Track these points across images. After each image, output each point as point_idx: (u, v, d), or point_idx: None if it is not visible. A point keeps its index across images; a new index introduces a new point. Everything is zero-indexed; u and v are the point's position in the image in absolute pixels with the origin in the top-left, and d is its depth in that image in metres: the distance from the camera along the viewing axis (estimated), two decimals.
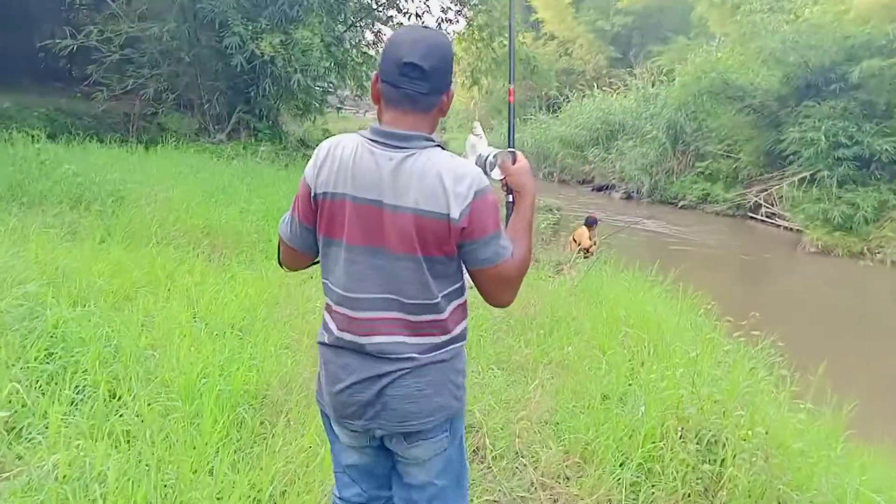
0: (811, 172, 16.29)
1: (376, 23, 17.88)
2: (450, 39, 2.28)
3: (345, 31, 16.64)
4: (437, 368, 1.66)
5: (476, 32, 18.28)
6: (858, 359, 7.74)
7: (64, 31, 12.86)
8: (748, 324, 4.14)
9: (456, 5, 17.75)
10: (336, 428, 1.78)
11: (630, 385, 3.72)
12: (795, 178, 16.83)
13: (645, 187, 21.60)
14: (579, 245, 9.83)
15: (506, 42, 19.84)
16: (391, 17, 17.47)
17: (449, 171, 1.57)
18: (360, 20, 17.38)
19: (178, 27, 13.23)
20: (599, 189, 23.51)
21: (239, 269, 4.90)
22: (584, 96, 27.03)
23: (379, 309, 1.63)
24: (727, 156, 20.30)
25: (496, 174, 1.84)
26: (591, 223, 10.39)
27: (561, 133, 25.85)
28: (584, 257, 9.49)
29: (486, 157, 1.86)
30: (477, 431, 3.18)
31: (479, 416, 3.29)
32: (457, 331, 1.69)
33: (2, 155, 6.98)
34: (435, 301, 1.62)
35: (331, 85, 17.02)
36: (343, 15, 16.39)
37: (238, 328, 3.80)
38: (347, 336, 1.66)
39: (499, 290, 1.67)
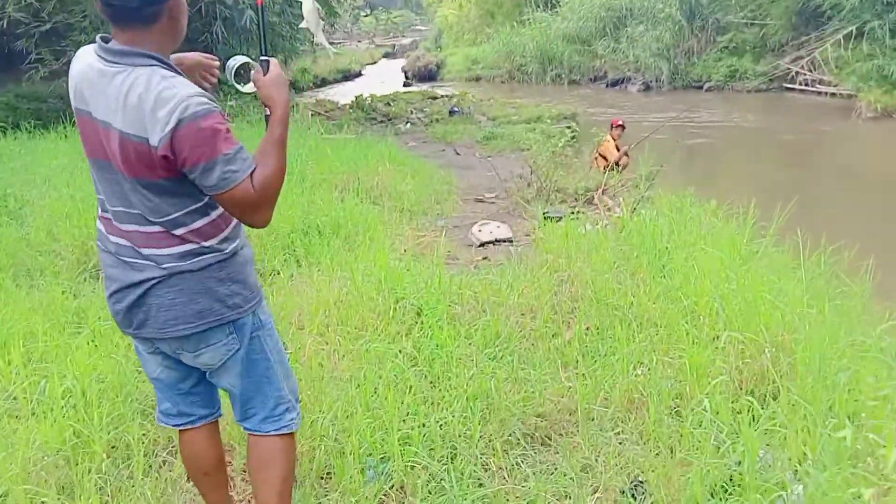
0: (857, 25, 14.11)
1: None
2: None
3: None
4: (188, 278, 1.66)
5: None
6: None
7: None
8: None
9: None
10: None
11: None
12: (840, 36, 14.65)
13: (664, 74, 19.59)
14: (607, 161, 8.18)
15: None
16: None
17: (151, 94, 1.50)
18: None
19: None
20: (614, 84, 21.39)
21: None
22: None
23: (126, 221, 1.65)
24: (752, 23, 18.06)
25: (248, 87, 1.72)
26: (616, 129, 8.69)
27: (564, 29, 23.45)
28: (616, 171, 7.88)
29: (233, 67, 1.77)
30: None
31: None
32: (210, 242, 1.68)
33: None
34: (170, 217, 1.62)
35: (300, 18, 15.05)
36: None
37: None
38: (111, 240, 1.69)
39: (241, 214, 1.64)
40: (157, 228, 1.63)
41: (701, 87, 18.64)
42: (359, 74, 30.39)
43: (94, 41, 1.62)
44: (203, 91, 1.56)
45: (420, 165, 8.71)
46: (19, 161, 6.99)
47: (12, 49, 12.94)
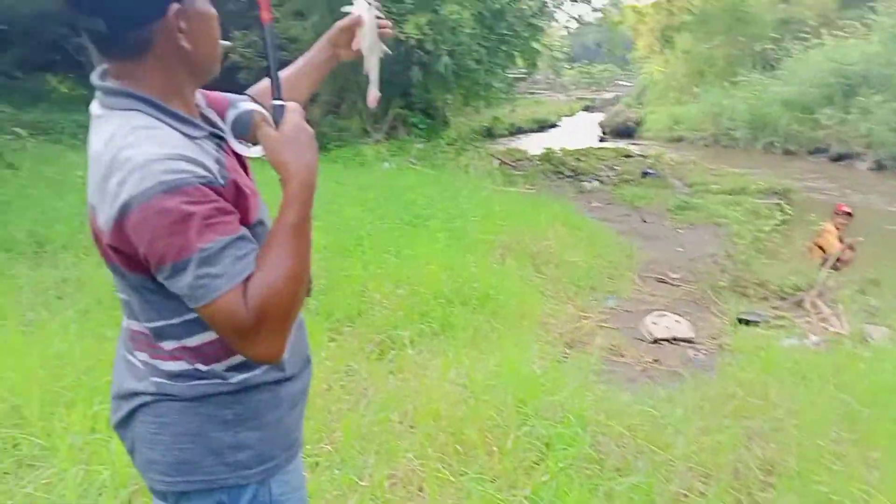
0: None
1: None
2: None
3: (508, 2, 14.47)
4: (176, 407, 1.16)
5: None
6: None
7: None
8: None
9: None
10: None
11: None
12: None
13: None
14: (825, 254, 6.80)
15: None
16: None
17: (109, 153, 1.04)
18: None
19: (321, 20, 12.13)
20: (838, 159, 18.88)
21: None
22: (808, 47, 22.16)
23: (124, 312, 1.22)
24: None
25: (256, 151, 1.15)
26: (840, 217, 7.27)
27: (782, 94, 21.29)
28: (835, 269, 6.51)
29: (231, 120, 1.18)
30: None
31: None
32: (211, 366, 1.16)
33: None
34: (155, 325, 1.15)
35: (499, 66, 14.93)
36: None
37: None
38: (122, 327, 1.25)
39: (230, 340, 1.07)
40: (146, 330, 1.17)
41: None
42: (554, 126, 30.11)
43: None
44: (183, 153, 1.03)
45: (598, 231, 7.93)
46: None
47: (237, 80, 14.29)
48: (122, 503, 2.03)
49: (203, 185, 1.02)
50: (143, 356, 1.19)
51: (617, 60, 35.97)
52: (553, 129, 28.69)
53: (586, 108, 37.06)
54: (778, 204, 10.17)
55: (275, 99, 1.14)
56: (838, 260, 6.68)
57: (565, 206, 8.30)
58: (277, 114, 1.13)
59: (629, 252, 7.45)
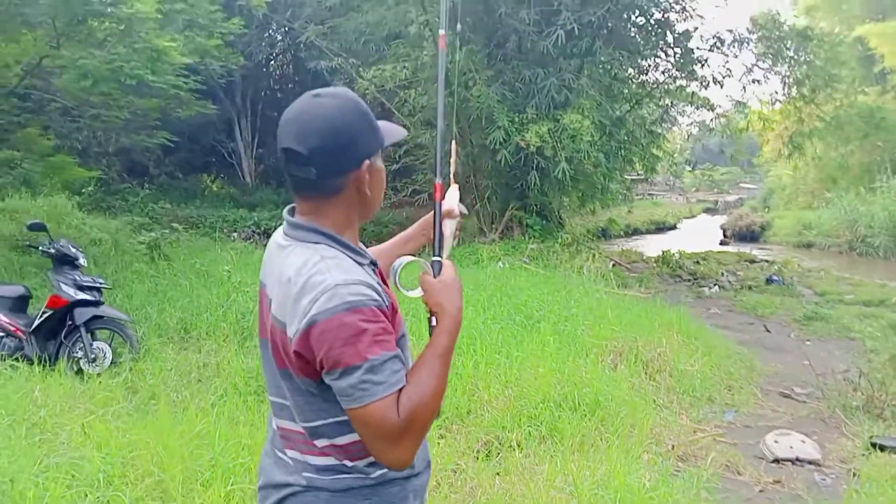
0: None
1: (664, 97, 15.71)
2: (351, 104, 1.34)
3: (628, 111, 14.82)
4: (324, 498, 1.37)
5: (794, 89, 14.99)
6: None
7: None
8: None
9: (764, 62, 14.74)
10: None
11: None
12: None
13: None
14: None
15: (836, 96, 16.12)
16: (682, 87, 15.16)
17: (301, 278, 1.29)
18: (646, 96, 15.42)
19: (447, 128, 12.94)
20: None
21: None
22: None
23: (278, 414, 1.44)
24: None
25: (415, 293, 1.49)
26: None
27: None
28: None
29: (398, 269, 1.54)
30: None
31: None
32: (356, 463, 1.38)
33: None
34: (311, 425, 1.37)
35: (616, 170, 15.11)
36: (626, 92, 14.71)
37: None
38: (269, 428, 1.50)
39: (373, 441, 1.27)
40: (301, 429, 1.40)
41: None
42: (673, 227, 29.58)
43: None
44: (363, 280, 1.30)
45: (717, 340, 7.65)
46: None
47: None
48: None
49: (375, 307, 1.27)
50: (294, 454, 1.41)
51: (741, 164, 35.23)
52: (672, 231, 28.18)
53: (707, 211, 36.21)
54: None
55: (435, 256, 1.51)
56: None
57: (682, 312, 8.10)
58: (436, 267, 1.47)
59: (750, 363, 7.13)
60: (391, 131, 1.46)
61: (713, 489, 3.62)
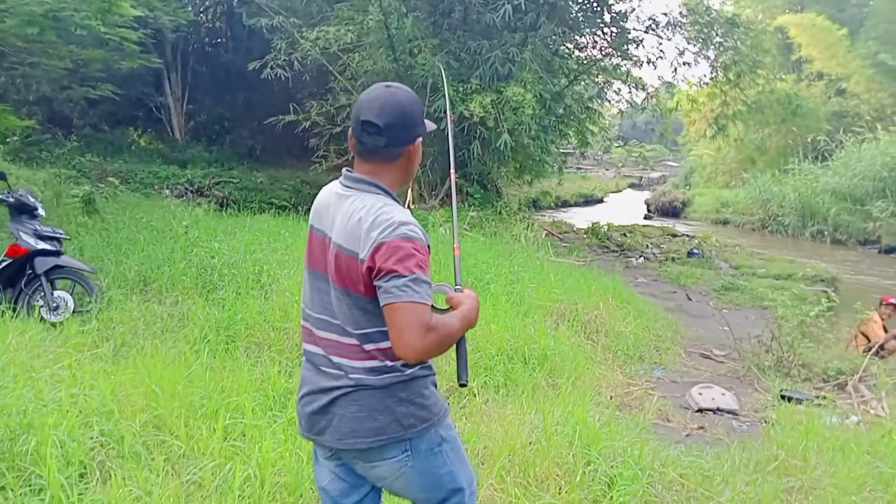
0: None
1: (601, 74, 16.25)
2: (413, 97, 1.83)
3: (567, 86, 15.27)
4: (371, 394, 1.75)
5: (720, 74, 15.81)
6: None
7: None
8: None
9: (694, 46, 15.45)
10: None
11: None
12: None
13: None
14: (869, 342, 7.03)
15: (759, 82, 17.09)
16: (617, 65, 15.72)
17: (371, 216, 1.70)
18: (584, 73, 15.90)
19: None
20: (889, 251, 18.82)
21: None
22: (862, 140, 22.40)
23: (324, 329, 1.80)
24: None
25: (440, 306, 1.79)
26: (886, 307, 7.51)
27: (833, 185, 21.48)
28: (879, 356, 6.71)
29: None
30: None
31: None
32: (395, 363, 1.75)
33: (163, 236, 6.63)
34: (364, 331, 1.74)
35: (552, 143, 15.57)
36: (564, 69, 15.13)
37: None
38: (306, 348, 1.86)
39: (400, 330, 1.64)
40: (351, 340, 1.75)
41: None
42: (600, 201, 30.65)
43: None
44: (416, 222, 1.71)
45: (646, 306, 8.25)
46: (289, 241, 7.83)
47: (308, 145, 15.30)
48: (268, 491, 2.49)
49: (422, 244, 1.69)
50: (340, 360, 1.77)
51: (667, 142, 36.65)
52: (599, 205, 29.21)
53: (632, 186, 37.58)
54: (825, 291, 10.34)
55: (455, 286, 1.90)
56: (882, 348, 6.89)
57: (616, 280, 8.66)
58: (458, 293, 1.88)
59: (675, 327, 7.75)
60: (428, 123, 1.87)
61: (650, 431, 4.07)
